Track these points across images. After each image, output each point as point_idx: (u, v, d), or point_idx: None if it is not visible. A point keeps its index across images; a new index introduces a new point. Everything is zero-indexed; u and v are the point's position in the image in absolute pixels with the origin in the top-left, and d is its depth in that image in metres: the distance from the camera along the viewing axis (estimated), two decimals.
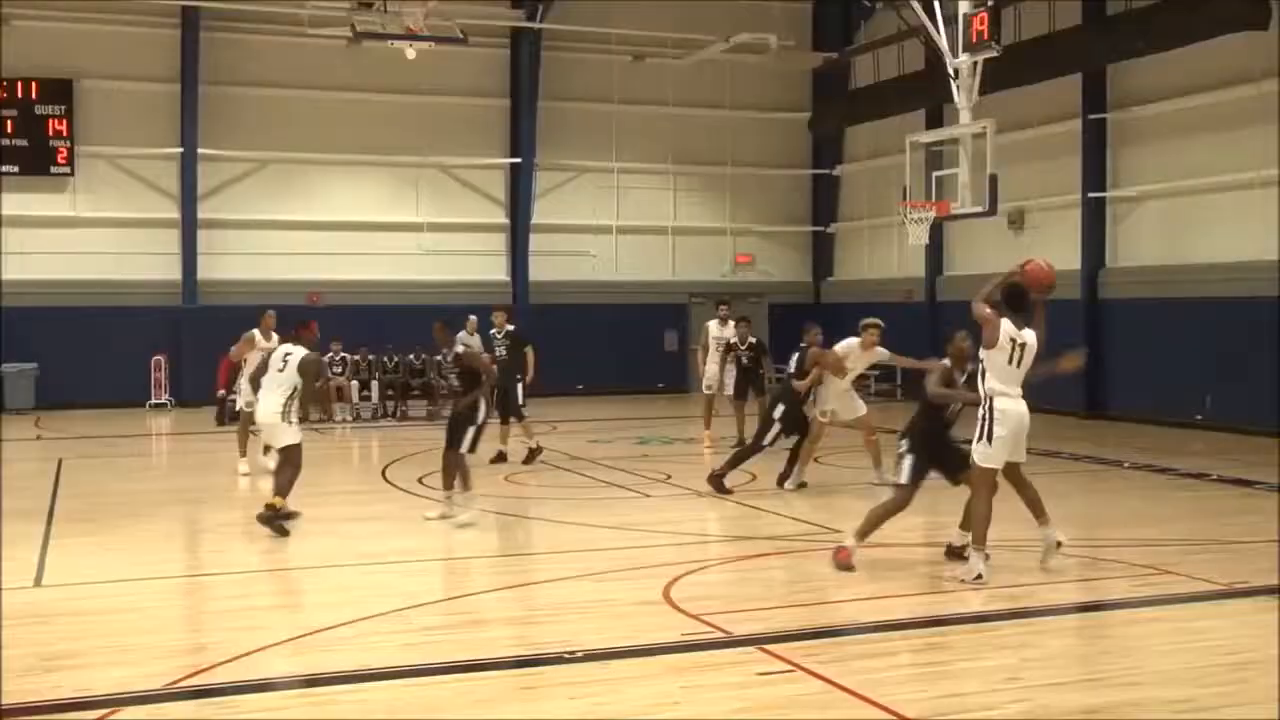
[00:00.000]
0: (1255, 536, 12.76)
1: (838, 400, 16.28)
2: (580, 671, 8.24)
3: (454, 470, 14.06)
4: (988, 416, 10.74)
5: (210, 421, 25.20)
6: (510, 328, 19.59)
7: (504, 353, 19.05)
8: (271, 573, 11.46)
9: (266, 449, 16.94)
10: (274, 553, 12.37)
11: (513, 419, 19.08)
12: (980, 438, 10.80)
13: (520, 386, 19.13)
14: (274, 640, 8.83)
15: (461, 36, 26.77)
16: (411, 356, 27.40)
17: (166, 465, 21.76)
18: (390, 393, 27.11)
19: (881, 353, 16.25)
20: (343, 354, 26.89)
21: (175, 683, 7.92)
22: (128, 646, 8.83)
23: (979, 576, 10.64)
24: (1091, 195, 26.24)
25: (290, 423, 13.47)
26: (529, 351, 19.39)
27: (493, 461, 18.27)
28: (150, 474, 20.10)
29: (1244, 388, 22.57)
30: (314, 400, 13.91)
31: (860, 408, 16.57)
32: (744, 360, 20.70)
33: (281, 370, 13.58)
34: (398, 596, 10.40)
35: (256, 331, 17.46)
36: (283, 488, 13.28)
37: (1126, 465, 18.66)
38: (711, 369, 21.26)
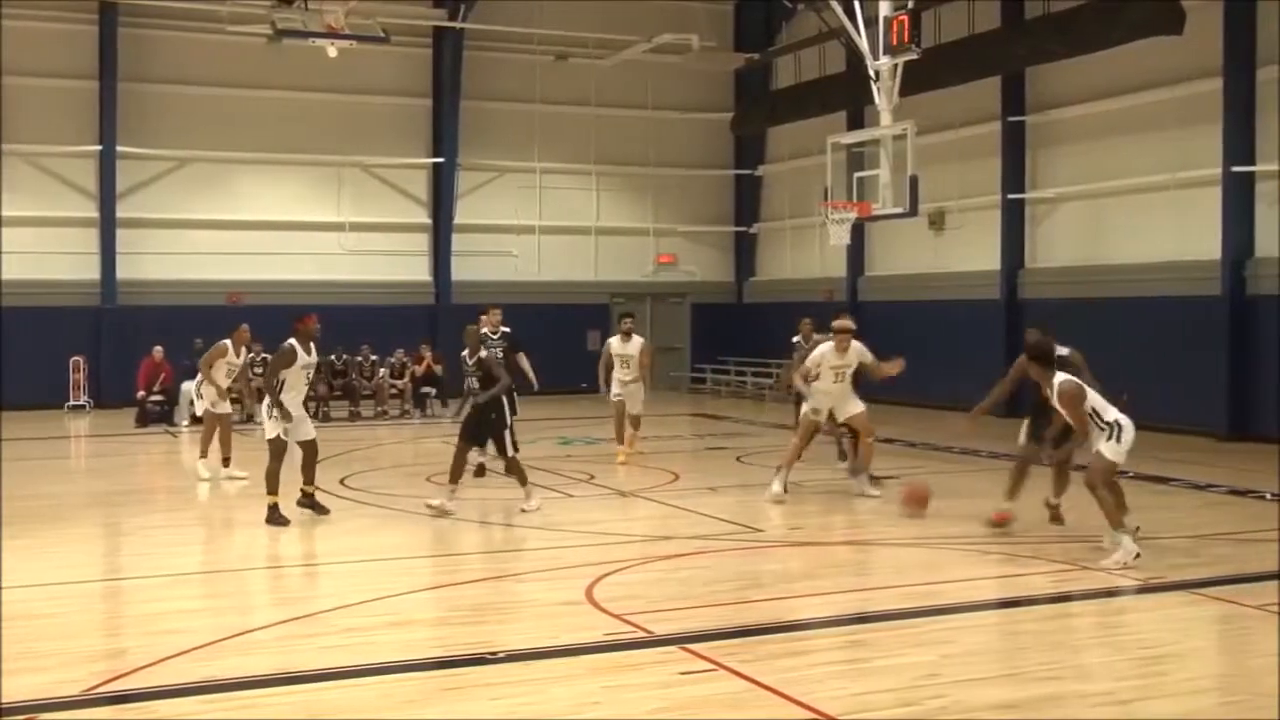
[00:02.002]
0: (1170, 532, 12.95)
1: (833, 399, 15.59)
2: (502, 672, 8.22)
3: (464, 466, 14.79)
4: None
5: (130, 423, 24.93)
6: (506, 329, 18.04)
7: (500, 355, 16.81)
8: (191, 576, 11.33)
9: (226, 461, 17.57)
10: (194, 557, 12.27)
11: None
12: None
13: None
14: (194, 644, 8.74)
15: (383, 35, 26.65)
16: (333, 358, 27.12)
17: (85, 468, 21.46)
18: (311, 394, 26.83)
19: (860, 351, 15.57)
20: (263, 355, 26.58)
21: (93, 689, 7.82)
22: (44, 652, 8.70)
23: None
24: (1010, 197, 26.54)
25: (270, 417, 13.98)
26: (521, 356, 18.09)
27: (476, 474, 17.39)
28: (69, 477, 19.81)
29: (1159, 386, 22.88)
30: (267, 385, 14.15)
31: (855, 407, 15.64)
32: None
33: None
34: (318, 599, 10.33)
35: (229, 342, 18.12)
36: (270, 484, 13.91)
37: (1046, 463, 18.84)
38: (616, 387, 19.74)
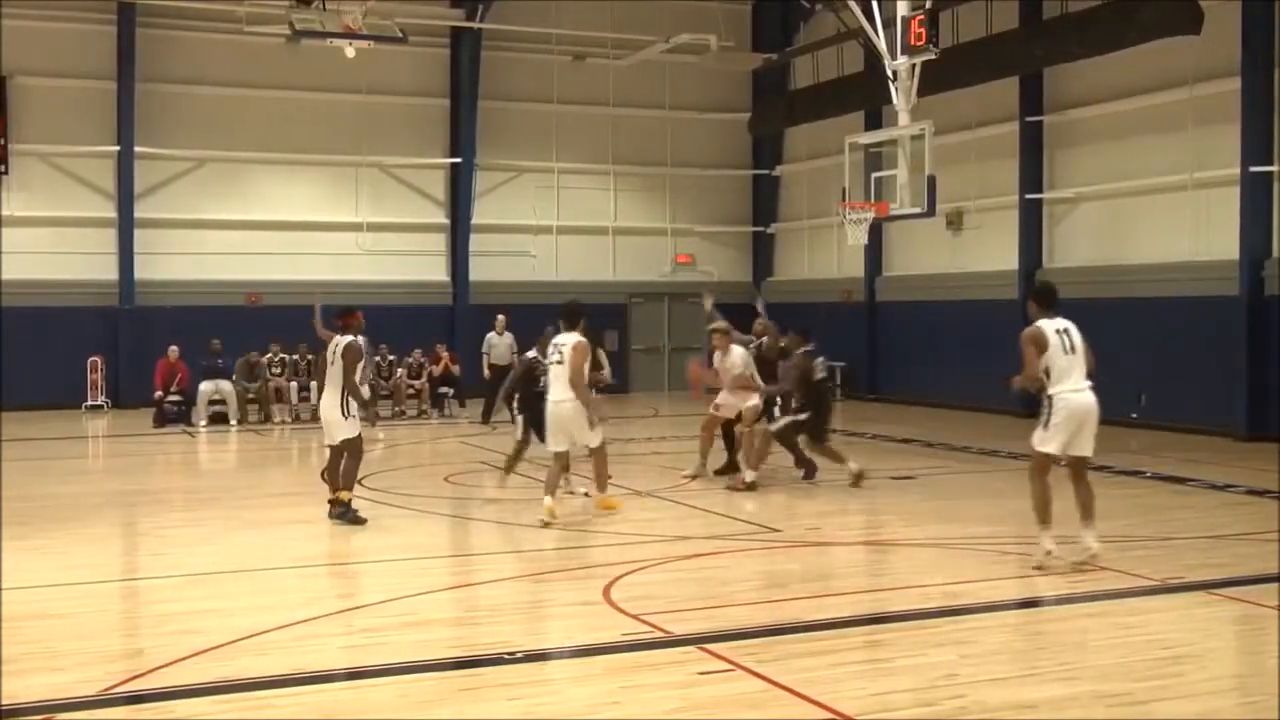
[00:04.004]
0: (1189, 532, 12.92)
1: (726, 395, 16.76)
2: (520, 672, 8.22)
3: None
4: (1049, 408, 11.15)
5: (148, 424, 24.99)
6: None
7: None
8: (207, 576, 11.33)
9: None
10: (210, 557, 12.27)
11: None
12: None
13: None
14: (210, 645, 8.75)
15: (401, 35, 26.65)
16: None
17: (103, 468, 21.51)
18: None
19: (736, 353, 16.71)
20: (281, 355, 26.70)
21: (110, 689, 7.84)
22: (62, 652, 8.72)
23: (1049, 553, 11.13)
24: (1029, 196, 26.46)
25: (348, 417, 13.86)
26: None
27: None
28: (86, 477, 19.86)
29: (1177, 386, 22.85)
30: (350, 386, 13.86)
31: (742, 403, 16.53)
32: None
33: (333, 364, 13.94)
34: (337, 599, 10.34)
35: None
36: (348, 481, 13.92)
37: (1063, 463, 18.80)
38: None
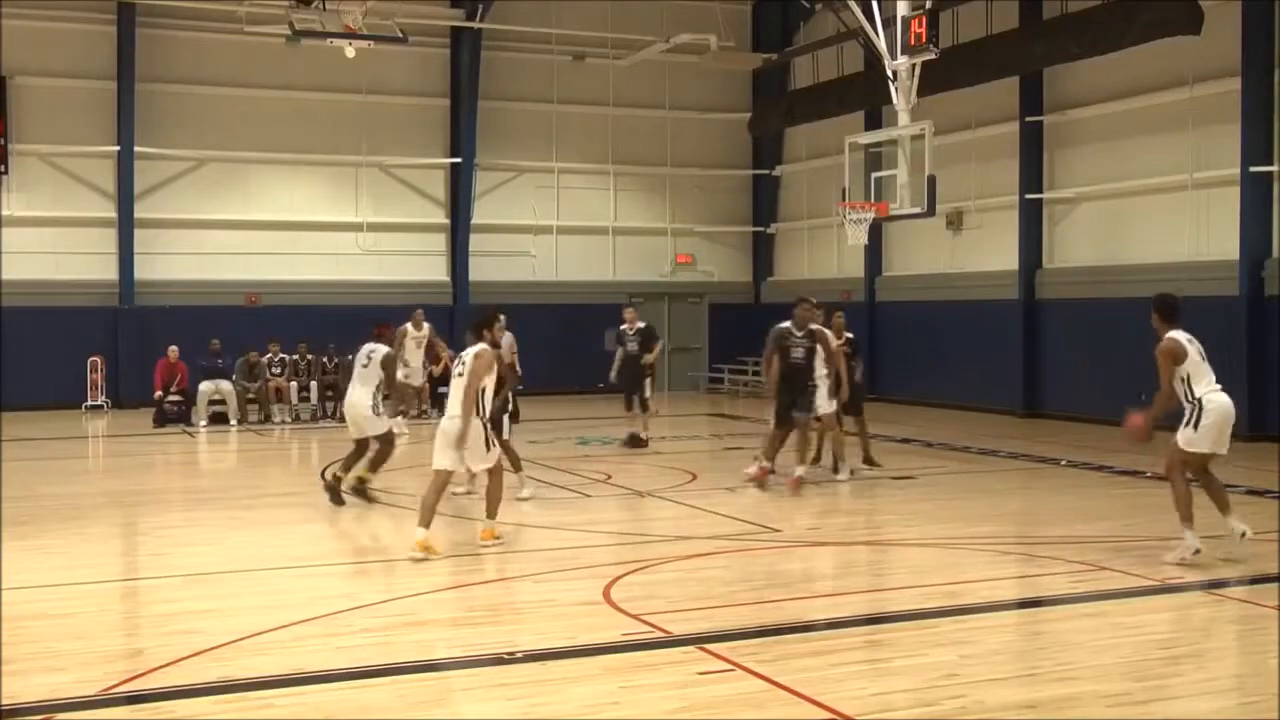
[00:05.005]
0: None
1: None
2: (519, 672, 8.21)
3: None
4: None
5: (148, 424, 24.98)
6: (641, 325, 21.32)
7: (635, 348, 21.10)
8: (207, 576, 11.32)
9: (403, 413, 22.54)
10: (210, 557, 12.26)
11: (637, 409, 21.12)
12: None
13: (649, 381, 20.98)
14: (210, 645, 8.74)
15: (401, 35, 26.69)
16: (350, 357, 27.10)
17: (103, 468, 21.50)
18: (330, 393, 26.86)
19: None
20: (281, 354, 26.68)
21: (109, 689, 7.83)
22: (60, 652, 8.71)
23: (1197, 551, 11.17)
24: (1029, 197, 26.47)
25: (379, 414, 15.23)
26: (655, 348, 21.28)
27: (625, 444, 20.79)
28: (86, 477, 19.85)
29: None
30: (395, 390, 15.76)
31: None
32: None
33: (366, 367, 15.24)
34: (335, 599, 10.32)
35: (409, 325, 23.11)
36: (375, 464, 15.25)
37: (1063, 463, 18.84)
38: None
